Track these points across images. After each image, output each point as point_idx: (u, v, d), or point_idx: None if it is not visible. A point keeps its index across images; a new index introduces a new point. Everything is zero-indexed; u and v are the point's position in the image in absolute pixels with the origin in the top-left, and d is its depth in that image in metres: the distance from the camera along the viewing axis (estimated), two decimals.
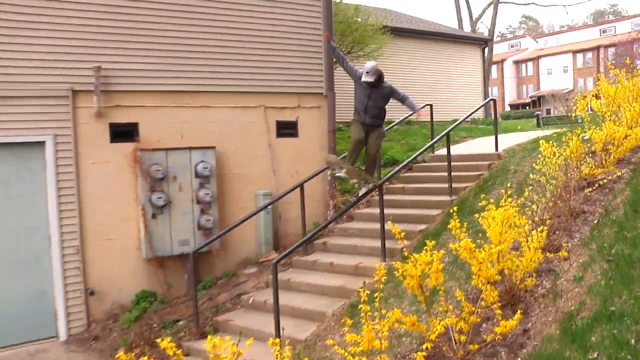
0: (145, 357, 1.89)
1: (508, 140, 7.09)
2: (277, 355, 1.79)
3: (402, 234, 2.95)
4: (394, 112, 9.69)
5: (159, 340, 1.86)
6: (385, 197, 5.22)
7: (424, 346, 2.44)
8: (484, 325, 3.14)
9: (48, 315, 5.09)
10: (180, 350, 1.70)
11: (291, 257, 5.61)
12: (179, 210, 5.52)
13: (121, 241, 5.37)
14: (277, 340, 1.86)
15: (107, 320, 5.31)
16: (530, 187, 4.10)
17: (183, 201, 5.54)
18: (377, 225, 5.18)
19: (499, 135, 6.72)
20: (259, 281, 5.45)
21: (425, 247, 2.94)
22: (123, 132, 5.38)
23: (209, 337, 1.62)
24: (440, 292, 2.97)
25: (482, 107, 9.44)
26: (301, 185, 5.70)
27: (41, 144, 5.00)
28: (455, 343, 2.86)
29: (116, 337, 4.93)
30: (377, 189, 5.12)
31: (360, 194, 5.18)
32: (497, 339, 2.83)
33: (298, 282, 4.99)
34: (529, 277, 3.29)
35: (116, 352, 4.69)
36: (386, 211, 4.96)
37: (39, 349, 4.86)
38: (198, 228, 5.58)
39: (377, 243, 5.09)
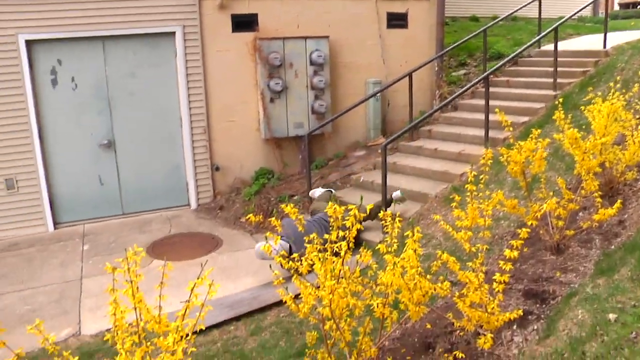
0: (273, 218, 2.26)
1: (617, 38, 7.19)
2: (387, 225, 2.32)
3: (508, 121, 3.20)
4: (501, 6, 9.68)
5: (283, 205, 2.51)
6: (490, 89, 5.81)
7: (523, 230, 2.48)
8: (580, 214, 3.47)
9: (181, 186, 6.64)
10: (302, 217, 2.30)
11: (397, 142, 6.69)
12: (295, 95, 6.66)
13: (242, 123, 6.69)
14: (389, 212, 2.35)
15: (230, 193, 6.75)
16: (638, 84, 4.25)
17: (298, 87, 6.65)
18: (480, 116, 6.02)
19: (607, 33, 6.87)
20: (367, 163, 6.66)
21: (530, 136, 3.13)
22: (244, 23, 6.41)
23: (329, 203, 2.13)
24: (542, 179, 3.34)
25: (590, 5, 9.03)
26: (409, 75, 6.56)
27: (172, 34, 6.20)
28: (552, 228, 3.11)
29: (238, 207, 6.34)
30: (482, 81, 5.80)
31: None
32: (593, 226, 3.11)
33: (403, 165, 6.05)
34: (630, 171, 3.59)
35: (238, 220, 6.27)
36: (490, 103, 5.67)
37: (175, 214, 6.51)
38: (312, 112, 6.75)
39: (480, 132, 5.98)
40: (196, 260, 5.03)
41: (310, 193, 5.78)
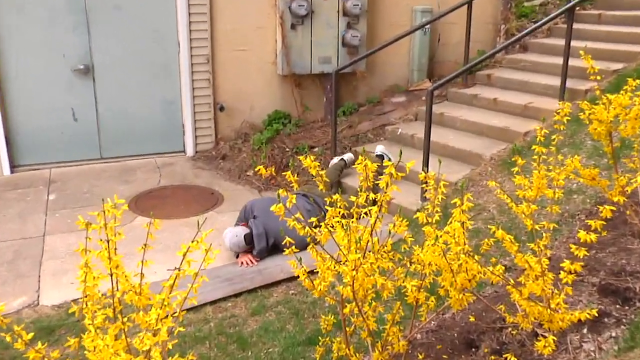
0: (288, 172, 2.21)
1: None
2: (428, 190, 2.26)
3: (596, 67, 2.97)
4: None
5: (302, 157, 2.50)
6: (573, 25, 5.59)
7: (605, 208, 2.37)
8: None
9: (175, 128, 6.69)
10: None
11: (447, 88, 6.60)
12: (322, 21, 6.53)
13: (255, 53, 6.66)
14: (432, 173, 2.27)
15: (236, 140, 6.82)
16: None
17: (327, 11, 6.51)
18: (557, 60, 5.83)
19: None
20: (407, 112, 6.63)
21: (624, 88, 2.98)
22: None
23: (360, 157, 2.18)
24: (635, 145, 3.08)
25: None
26: (469, 3, 6.33)
27: None
28: None
29: (245, 157, 6.41)
30: (564, 14, 5.56)
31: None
32: None
33: (453, 117, 6.02)
34: None
35: (245, 173, 6.38)
36: (572, 44, 5.50)
37: (166, 162, 6.57)
38: (342, 44, 6.64)
39: (555, 81, 5.83)
40: (190, 219, 5.10)
41: (331, 163, 5.89)
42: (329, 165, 5.85)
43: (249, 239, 4.28)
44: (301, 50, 6.57)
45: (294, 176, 2.26)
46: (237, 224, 4.61)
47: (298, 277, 2.26)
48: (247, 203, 4.65)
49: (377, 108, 6.98)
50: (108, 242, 1.67)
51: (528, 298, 2.17)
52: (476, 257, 2.22)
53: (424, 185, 2.50)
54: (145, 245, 1.88)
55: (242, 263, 4.24)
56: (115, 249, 1.73)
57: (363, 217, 2.26)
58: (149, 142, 6.65)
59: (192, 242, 1.74)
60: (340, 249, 2.19)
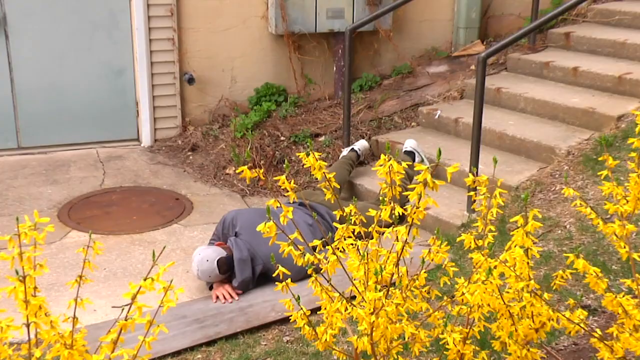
0: (283, 177, 2.20)
1: None
2: (480, 199, 2.26)
3: None
4: None
5: (302, 155, 2.43)
6: None
7: None
8: None
9: (125, 107, 6.71)
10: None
11: (506, 53, 6.59)
12: None
13: (238, 3, 6.70)
14: (483, 177, 2.23)
15: (211, 124, 6.86)
16: None
17: None
18: None
19: None
20: (449, 87, 6.62)
21: None
22: None
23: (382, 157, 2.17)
24: None
25: None
26: None
27: None
28: None
29: (224, 149, 6.45)
30: None
31: None
32: None
33: (514, 94, 6.02)
34: None
35: (223, 170, 6.39)
36: None
37: (112, 154, 6.61)
38: None
39: None
40: (145, 235, 5.14)
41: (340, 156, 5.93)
42: (339, 159, 5.88)
43: (225, 265, 4.29)
44: (302, 0, 6.63)
45: (290, 180, 2.26)
46: (211, 243, 4.62)
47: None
48: (226, 215, 4.67)
49: (407, 81, 7.01)
50: (24, 278, 1.65)
51: (623, 358, 2.16)
52: (546, 295, 2.22)
53: (472, 193, 2.49)
54: (80, 277, 1.88)
55: (217, 297, 4.26)
56: (35, 287, 1.72)
57: (387, 237, 2.27)
58: (87, 127, 6.67)
59: (145, 279, 1.73)
60: (353, 284, 2.19)
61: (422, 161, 5.50)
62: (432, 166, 2.08)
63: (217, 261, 4.29)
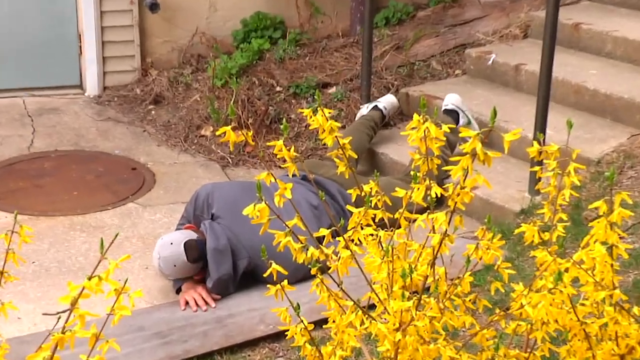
0: (280, 142, 2.17)
1: None
2: (545, 175, 2.27)
3: None
4: None
5: (305, 112, 2.38)
6: None
7: None
8: None
9: (63, 43, 6.76)
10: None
11: None
12: None
13: None
14: (553, 147, 2.24)
15: (182, 68, 6.93)
16: None
17: None
18: None
19: None
20: (508, 22, 6.61)
21: None
22: None
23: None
24: None
25: None
26: None
27: None
28: None
29: (199, 102, 6.51)
30: None
31: None
32: None
33: (598, 33, 6.04)
34: None
35: (197, 131, 6.39)
36: None
37: (45, 105, 6.66)
38: None
39: None
40: (90, 217, 5.18)
41: (358, 114, 5.95)
42: (355, 119, 5.89)
43: (195, 251, 4.30)
44: None
45: (289, 146, 2.25)
46: (178, 228, 4.64)
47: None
48: (200, 190, 4.66)
49: (450, 13, 7.01)
50: None
51: None
52: (636, 310, 2.22)
53: (537, 169, 2.47)
54: (1, 273, 1.88)
55: (186, 303, 4.28)
56: None
57: (419, 227, 2.26)
58: (10, 68, 6.73)
59: (90, 277, 1.73)
60: (373, 289, 2.20)
61: (468, 124, 5.49)
62: (484, 131, 2.05)
63: (185, 244, 4.29)
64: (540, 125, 4.74)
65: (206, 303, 4.27)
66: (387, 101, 5.84)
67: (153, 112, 6.55)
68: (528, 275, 3.65)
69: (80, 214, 5.18)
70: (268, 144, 3.09)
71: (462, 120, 5.49)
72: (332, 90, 6.36)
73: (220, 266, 4.31)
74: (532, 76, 5.58)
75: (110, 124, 6.41)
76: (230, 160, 5.91)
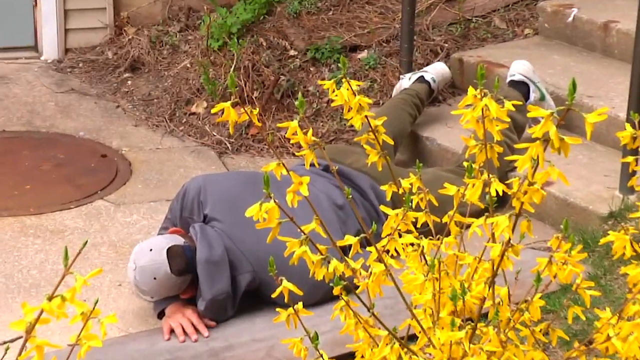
0: (295, 123, 2.22)
1: None
2: None
3: None
4: None
5: (326, 84, 2.40)
6: None
7: None
8: None
9: None
10: None
11: None
12: None
13: None
14: None
15: (167, 25, 7.01)
16: None
17: None
18: None
19: None
20: None
21: None
22: None
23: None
24: None
25: None
26: None
27: None
28: None
29: (189, 69, 6.57)
30: None
31: None
32: None
33: None
34: None
35: (186, 108, 6.44)
36: None
37: None
38: None
39: None
40: (48, 218, 5.21)
41: (396, 88, 5.95)
42: (393, 93, 5.92)
43: (181, 260, 4.30)
44: None
45: (305, 129, 2.25)
46: (161, 233, 4.64)
47: None
48: (189, 184, 4.67)
49: None
50: None
51: None
52: None
53: (630, 159, 2.47)
54: None
55: (171, 331, 4.29)
56: None
57: (474, 234, 2.27)
58: None
59: (51, 297, 1.75)
60: (413, 314, 2.23)
61: (541, 100, 5.48)
62: (559, 110, 2.05)
63: (168, 251, 4.30)
64: (636, 102, 4.74)
65: (197, 331, 4.28)
66: (435, 71, 5.84)
67: (129, 82, 6.58)
68: (618, 299, 3.66)
69: (33, 214, 5.20)
70: (278, 125, 3.07)
71: (533, 96, 5.47)
72: (363, 54, 6.36)
73: (214, 283, 4.31)
74: (626, 37, 5.60)
75: (73, 98, 6.45)
76: (229, 145, 5.92)
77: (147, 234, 4.92)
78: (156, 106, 6.32)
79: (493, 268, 2.21)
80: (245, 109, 2.21)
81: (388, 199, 2.47)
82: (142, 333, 4.35)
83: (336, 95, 2.26)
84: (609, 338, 2.19)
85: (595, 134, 4.92)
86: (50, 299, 1.81)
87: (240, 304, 4.42)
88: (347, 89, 2.24)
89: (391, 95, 5.94)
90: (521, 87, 5.48)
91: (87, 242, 2.00)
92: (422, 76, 5.78)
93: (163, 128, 6.13)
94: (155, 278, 4.25)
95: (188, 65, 6.50)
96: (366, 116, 2.27)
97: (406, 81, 5.80)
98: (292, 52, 6.42)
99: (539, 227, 4.52)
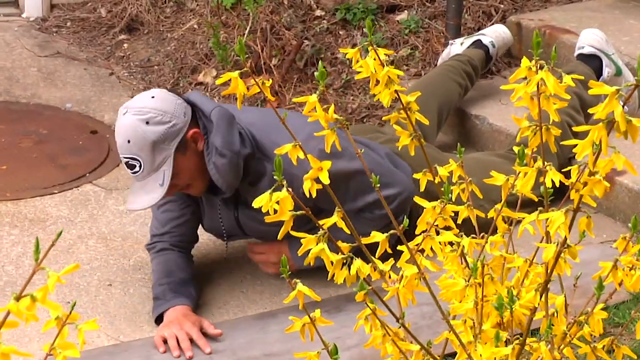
0: (313, 97, 2.24)
1: None
2: None
3: None
4: None
5: (349, 53, 2.44)
6: None
7: None
8: None
9: None
10: None
11: None
12: None
13: None
14: None
15: None
16: None
17: None
18: None
19: None
20: None
21: None
22: None
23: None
24: None
25: None
26: None
27: None
28: None
29: (196, 31, 6.63)
30: None
31: None
32: None
33: None
34: None
35: (191, 77, 6.43)
36: None
37: None
38: None
39: None
40: (27, 204, 5.24)
41: (444, 54, 5.96)
42: (439, 62, 5.94)
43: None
44: None
45: (327, 103, 2.26)
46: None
47: None
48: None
49: None
50: None
51: None
52: None
53: None
54: None
55: (163, 345, 4.31)
56: None
57: (525, 232, 2.26)
58: None
59: (19, 297, 1.76)
60: (451, 326, 2.23)
61: (617, 74, 5.45)
62: (625, 87, 2.04)
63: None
64: None
65: (197, 345, 4.28)
66: (495, 34, 5.83)
67: (125, 45, 6.60)
68: None
69: (10, 200, 5.24)
70: (294, 99, 3.03)
71: (607, 71, 5.44)
72: (402, 16, 6.35)
73: (229, 132, 4.33)
74: None
75: (59, 63, 6.47)
76: None
77: (143, 225, 4.95)
78: (157, 74, 6.34)
79: (547, 273, 2.21)
80: (257, 80, 2.20)
81: (422, 189, 2.46)
82: (136, 342, 4.37)
83: (361, 67, 2.26)
84: None
85: None
86: (18, 298, 1.81)
87: (253, 304, 4.48)
88: (374, 59, 2.24)
89: (436, 65, 5.94)
90: (592, 62, 5.45)
91: (61, 232, 1.98)
92: (479, 40, 5.77)
93: None
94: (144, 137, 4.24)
95: (195, 26, 6.52)
96: (396, 91, 2.27)
97: (457, 46, 5.77)
98: (318, 12, 6.41)
99: (608, 224, 4.53)
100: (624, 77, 5.39)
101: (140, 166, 4.26)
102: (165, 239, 4.58)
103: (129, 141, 4.21)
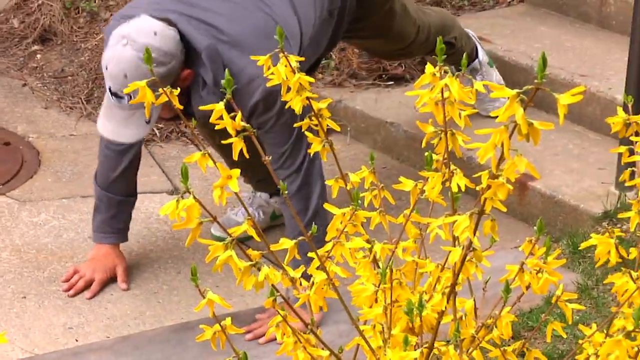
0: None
1: None
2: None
3: None
4: None
5: (260, 60, 2.40)
6: None
7: None
8: None
9: None
10: None
11: None
12: None
13: None
14: None
15: None
16: None
17: None
18: None
19: None
20: None
21: None
22: None
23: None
24: None
25: None
26: None
27: None
28: None
29: None
30: None
31: None
32: None
33: None
34: None
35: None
36: None
37: None
38: None
39: None
40: None
41: None
42: None
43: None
44: None
45: (233, 113, 2.26)
46: None
47: None
48: None
49: None
50: None
51: None
52: None
53: (621, 149, 2.50)
54: None
55: (70, 277, 4.34)
56: None
57: (437, 237, 2.27)
58: None
59: None
60: (361, 333, 2.24)
61: (490, 65, 5.53)
62: (526, 91, 2.02)
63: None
64: (636, 82, 4.76)
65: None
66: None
67: (38, 55, 6.56)
68: (607, 314, 3.67)
69: None
70: (201, 107, 2.97)
71: (482, 53, 5.64)
72: None
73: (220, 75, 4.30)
74: (626, 7, 5.62)
75: None
76: (156, 132, 5.91)
77: (58, 237, 4.93)
78: (71, 84, 6.31)
79: (454, 277, 2.22)
80: (165, 90, 2.20)
81: (334, 195, 2.47)
82: (50, 355, 4.35)
83: (272, 74, 2.27)
84: (588, 357, 2.21)
85: (589, 119, 4.97)
86: None
87: (170, 314, 4.47)
88: (286, 66, 2.25)
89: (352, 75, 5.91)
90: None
91: None
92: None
93: (78, 111, 6.13)
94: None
95: None
96: (308, 98, 2.28)
97: None
98: None
99: (522, 229, 4.53)
100: (495, 71, 5.48)
101: (129, 100, 4.27)
102: None
103: (125, 76, 4.22)
